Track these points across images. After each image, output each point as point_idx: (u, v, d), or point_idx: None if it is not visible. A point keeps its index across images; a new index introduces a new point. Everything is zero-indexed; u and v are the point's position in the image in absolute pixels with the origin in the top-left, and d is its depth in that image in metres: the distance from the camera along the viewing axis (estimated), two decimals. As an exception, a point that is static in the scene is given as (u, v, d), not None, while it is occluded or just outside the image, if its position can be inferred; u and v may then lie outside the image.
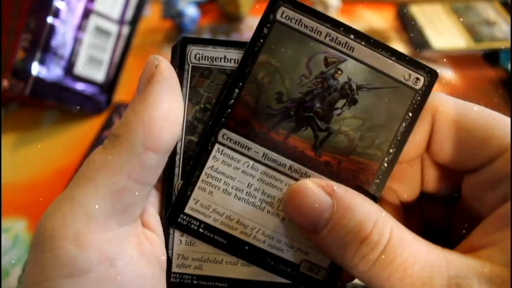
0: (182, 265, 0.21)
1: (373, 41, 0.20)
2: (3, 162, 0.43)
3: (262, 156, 0.20)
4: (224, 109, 0.20)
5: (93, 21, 0.45)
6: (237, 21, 0.58)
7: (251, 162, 0.20)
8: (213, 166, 0.20)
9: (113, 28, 0.46)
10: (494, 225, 0.18)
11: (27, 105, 0.48)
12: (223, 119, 0.20)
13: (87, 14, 0.44)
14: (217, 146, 0.20)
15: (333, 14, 0.57)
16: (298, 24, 0.19)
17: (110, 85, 0.47)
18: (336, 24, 0.20)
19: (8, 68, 0.41)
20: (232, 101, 0.20)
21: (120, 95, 0.48)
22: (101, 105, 0.47)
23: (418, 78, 0.20)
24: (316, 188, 0.19)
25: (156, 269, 0.19)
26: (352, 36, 0.20)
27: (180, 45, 0.20)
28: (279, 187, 0.20)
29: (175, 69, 0.20)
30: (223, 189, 0.20)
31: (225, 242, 0.20)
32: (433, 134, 0.20)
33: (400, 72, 0.20)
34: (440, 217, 0.23)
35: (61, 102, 0.45)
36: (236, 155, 0.20)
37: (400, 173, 0.21)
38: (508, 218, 0.18)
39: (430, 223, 0.23)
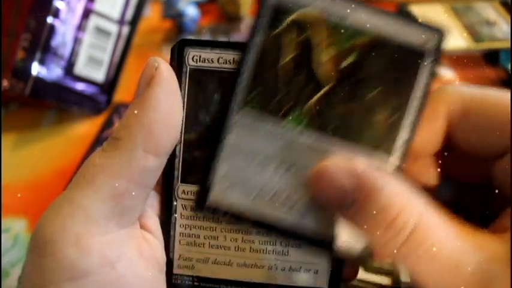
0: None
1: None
2: (3, 162, 0.43)
3: None
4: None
5: (93, 21, 0.45)
6: (237, 21, 0.57)
7: None
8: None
9: (113, 28, 0.46)
10: None
11: (27, 105, 0.48)
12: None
13: (87, 14, 0.44)
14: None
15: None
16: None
17: (109, 85, 0.47)
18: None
19: (8, 68, 0.41)
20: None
21: (120, 95, 0.48)
22: (101, 105, 0.47)
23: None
24: (339, 170, 0.18)
25: (156, 271, 0.19)
26: None
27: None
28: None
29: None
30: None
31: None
32: (452, 123, 0.20)
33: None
34: (471, 199, 0.23)
35: (61, 102, 0.45)
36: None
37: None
38: None
39: (461, 204, 0.23)
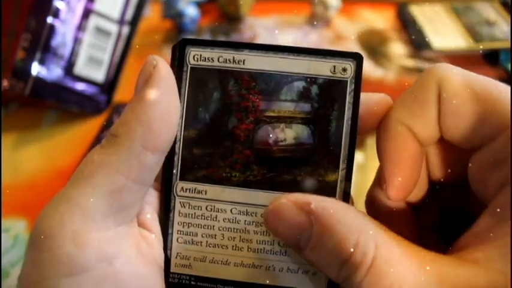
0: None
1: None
2: (3, 162, 0.43)
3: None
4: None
5: (93, 21, 0.45)
6: (237, 21, 0.58)
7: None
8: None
9: (113, 28, 0.46)
10: (493, 216, 0.17)
11: (27, 105, 0.48)
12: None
13: (87, 14, 0.44)
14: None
15: (333, 14, 0.57)
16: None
17: (110, 85, 0.47)
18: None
19: (8, 68, 0.41)
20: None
21: (120, 95, 0.48)
22: (101, 105, 0.47)
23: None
24: (292, 208, 0.18)
25: (153, 269, 0.19)
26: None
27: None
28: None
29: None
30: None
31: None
32: (441, 105, 0.19)
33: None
34: (456, 200, 0.22)
35: (61, 102, 0.45)
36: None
37: None
38: (508, 208, 0.17)
39: (447, 205, 0.22)
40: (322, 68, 0.20)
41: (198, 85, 0.20)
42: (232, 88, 0.20)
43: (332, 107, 0.20)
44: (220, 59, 0.20)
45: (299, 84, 0.20)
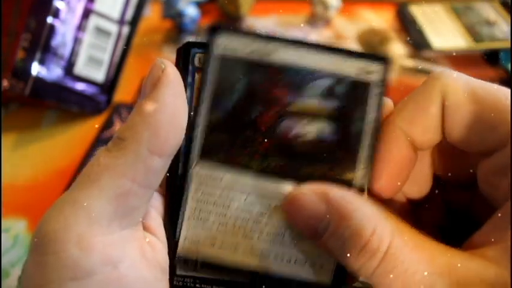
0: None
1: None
2: (3, 162, 0.43)
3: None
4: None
5: (93, 21, 0.45)
6: (237, 21, 0.58)
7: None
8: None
9: (113, 28, 0.46)
10: (503, 219, 0.18)
11: (27, 105, 0.48)
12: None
13: (87, 14, 0.44)
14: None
15: (333, 14, 0.57)
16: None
17: (109, 85, 0.47)
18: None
19: (8, 68, 0.41)
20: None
21: (120, 95, 0.48)
22: (101, 105, 0.47)
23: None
24: (311, 197, 0.19)
25: (158, 273, 0.19)
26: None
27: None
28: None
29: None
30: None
31: None
32: (445, 113, 0.20)
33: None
34: (460, 200, 0.23)
35: (61, 102, 0.45)
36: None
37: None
38: None
39: (451, 205, 0.23)
40: (350, 68, 0.20)
41: (224, 73, 0.20)
42: (258, 79, 0.20)
43: (356, 107, 0.20)
44: (249, 49, 0.20)
45: (325, 82, 0.20)
